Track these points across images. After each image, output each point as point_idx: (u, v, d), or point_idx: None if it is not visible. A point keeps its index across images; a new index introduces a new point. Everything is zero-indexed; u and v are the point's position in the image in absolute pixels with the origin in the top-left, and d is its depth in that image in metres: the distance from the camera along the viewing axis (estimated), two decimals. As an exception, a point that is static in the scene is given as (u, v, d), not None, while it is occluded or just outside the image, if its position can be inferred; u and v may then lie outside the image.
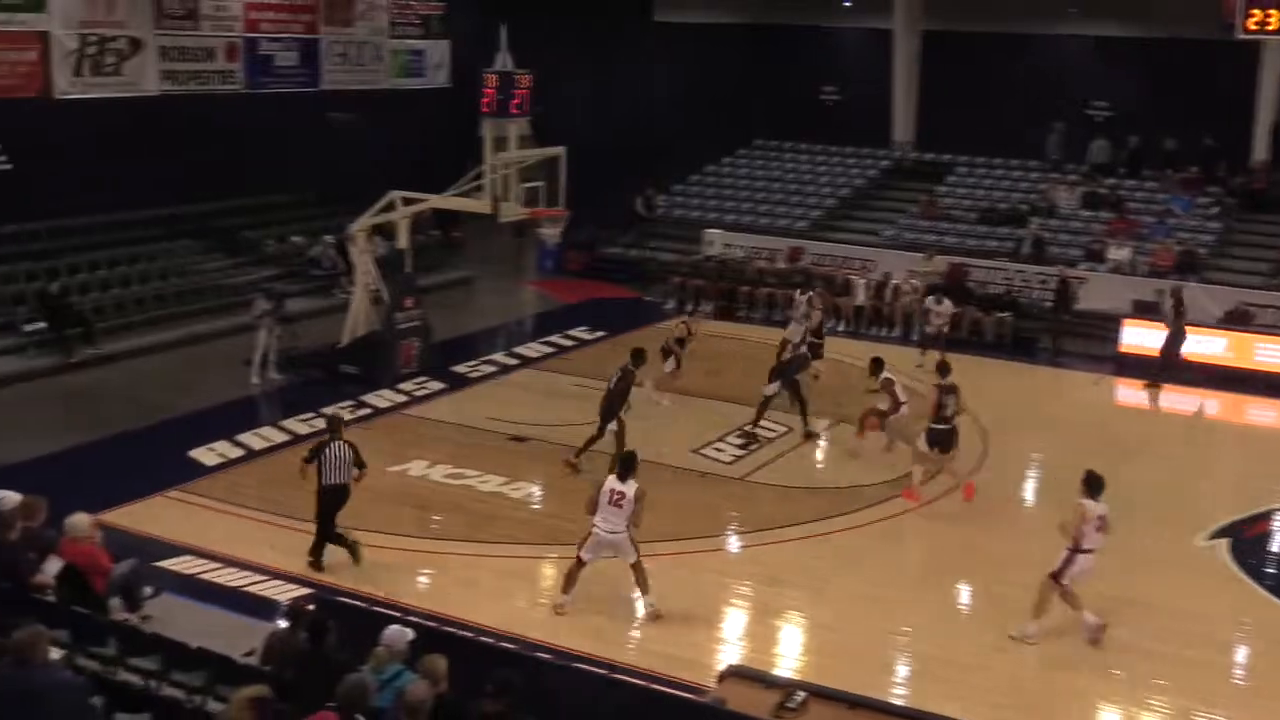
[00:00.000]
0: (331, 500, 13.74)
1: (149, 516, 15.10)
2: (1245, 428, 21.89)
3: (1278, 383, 22.37)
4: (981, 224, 28.71)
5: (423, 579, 14.09)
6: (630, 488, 12.66)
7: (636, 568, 12.90)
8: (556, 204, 21.16)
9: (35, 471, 15.67)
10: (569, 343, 23.94)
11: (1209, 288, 24.92)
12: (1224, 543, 15.50)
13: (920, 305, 24.32)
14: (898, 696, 11.47)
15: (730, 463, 17.69)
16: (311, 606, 10.38)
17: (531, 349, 23.51)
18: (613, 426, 16.74)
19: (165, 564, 13.65)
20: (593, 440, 16.85)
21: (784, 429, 18.71)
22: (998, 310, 25.28)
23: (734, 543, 15.23)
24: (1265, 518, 16.52)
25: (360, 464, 13.77)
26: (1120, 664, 12.38)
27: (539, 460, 17.33)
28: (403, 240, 21.24)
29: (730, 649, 12.53)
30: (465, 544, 14.62)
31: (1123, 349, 23.79)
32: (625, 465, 13.03)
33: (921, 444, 16.29)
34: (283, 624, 10.34)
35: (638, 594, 12.96)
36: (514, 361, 22.69)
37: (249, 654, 9.94)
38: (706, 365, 21.21)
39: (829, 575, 14.20)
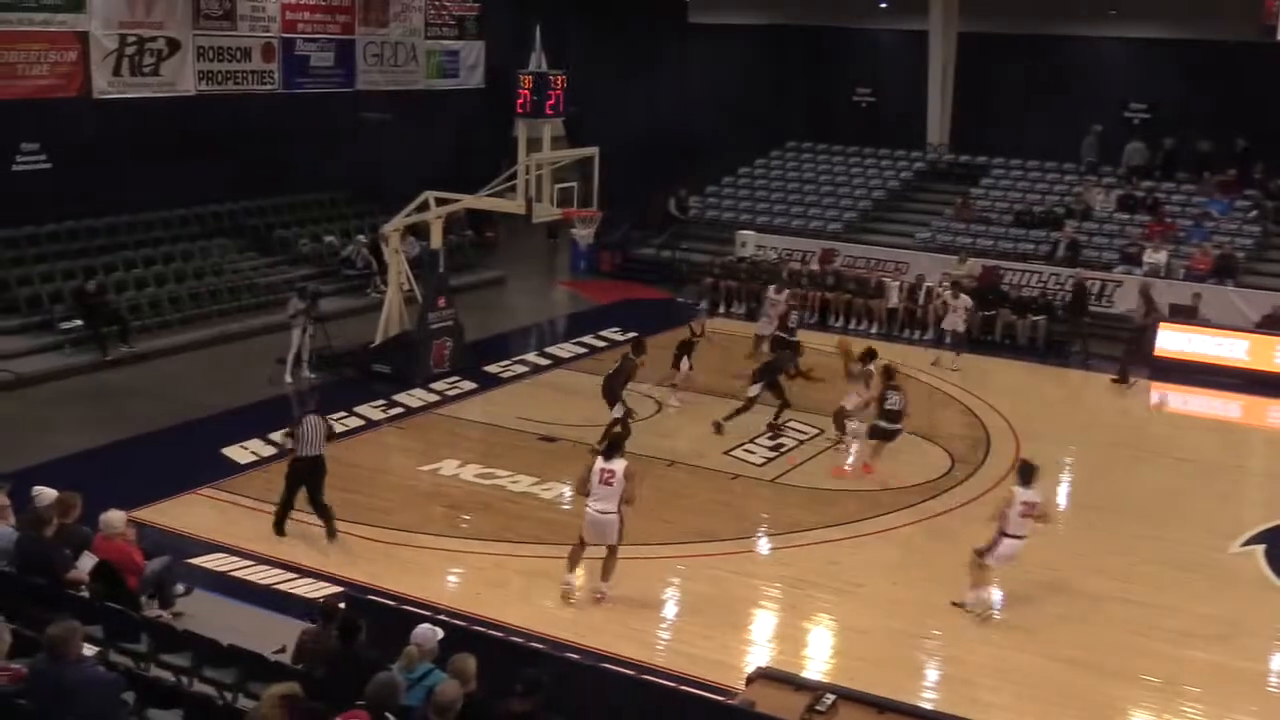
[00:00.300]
0: (305, 470, 14.41)
1: (182, 514, 15.19)
2: (1278, 433, 21.65)
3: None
4: (1016, 227, 28.55)
5: (452, 578, 14.15)
6: (619, 465, 12.80)
7: (611, 552, 13.08)
8: (590, 205, 21.19)
9: (70, 468, 15.81)
10: (601, 343, 23.93)
11: (1245, 292, 24.70)
12: (1259, 549, 15.34)
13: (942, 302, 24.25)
14: (927, 700, 11.42)
15: (761, 464, 17.66)
16: (342, 605, 10.41)
17: (563, 349, 23.53)
18: (617, 412, 17.13)
19: (197, 561, 13.75)
20: (613, 425, 16.97)
21: (815, 431, 18.67)
22: (1031, 313, 25.13)
23: (764, 544, 15.20)
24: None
25: (331, 437, 14.73)
26: (1153, 671, 12.29)
27: (569, 460, 17.32)
28: (436, 240, 21.29)
29: (759, 651, 12.50)
30: (495, 544, 14.65)
31: (1158, 353, 23.58)
32: (612, 445, 13.20)
33: (863, 431, 17.19)
34: (314, 622, 10.36)
35: (599, 577, 13.19)
36: (546, 362, 22.72)
37: (279, 651, 10.00)
38: (735, 367, 21.15)
39: (859, 578, 14.14)
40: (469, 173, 24.75)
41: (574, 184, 20.97)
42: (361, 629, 9.17)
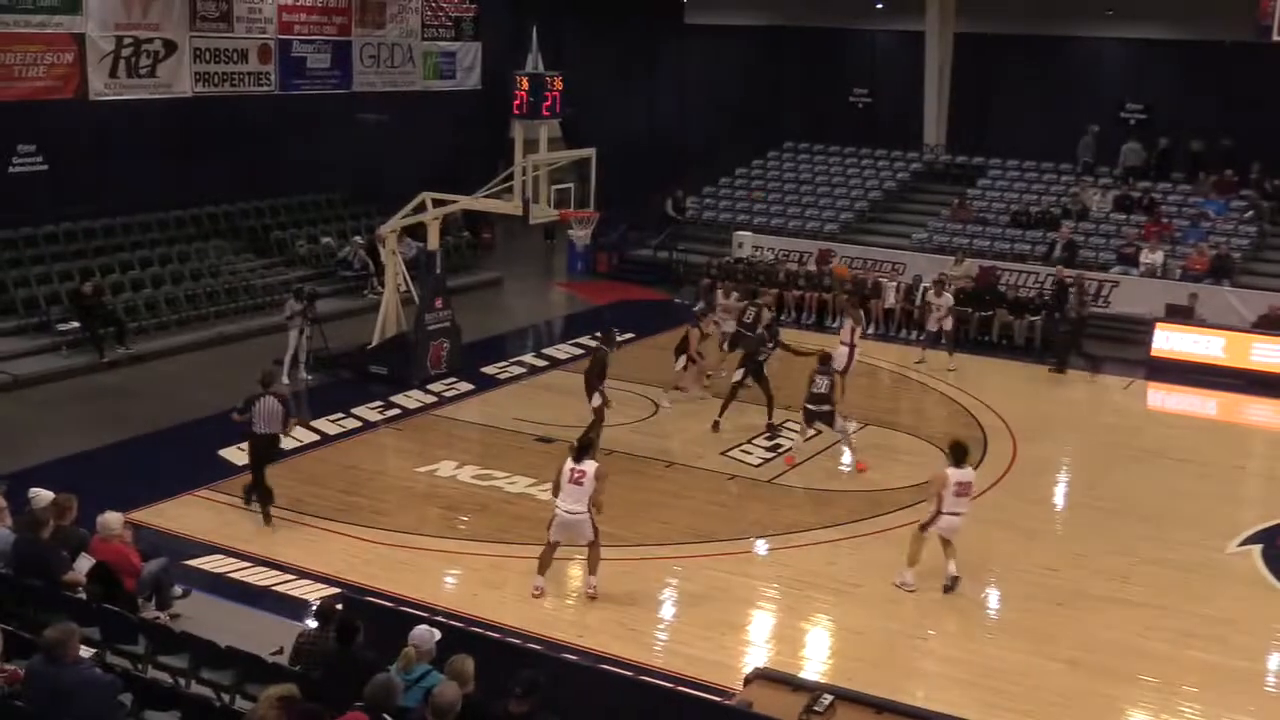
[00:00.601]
0: (262, 448, 14.82)
1: (179, 515, 15.19)
2: (1275, 433, 21.67)
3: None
4: (1013, 227, 28.56)
5: (450, 579, 14.14)
6: (589, 466, 12.92)
7: (592, 547, 13.17)
8: (586, 206, 21.18)
9: (67, 470, 15.81)
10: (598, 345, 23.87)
11: (1240, 292, 24.73)
12: (1256, 549, 15.35)
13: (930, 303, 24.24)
14: (925, 701, 11.40)
15: (759, 465, 17.66)
16: (340, 606, 10.40)
17: (560, 350, 23.53)
18: (595, 403, 17.25)
19: (195, 563, 13.75)
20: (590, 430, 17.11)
21: (812, 432, 18.65)
22: (1028, 314, 25.13)
23: (761, 545, 15.19)
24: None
25: (288, 420, 15.02)
26: (1151, 671, 12.30)
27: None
28: (433, 241, 21.29)
29: (757, 651, 12.51)
30: (492, 545, 14.65)
31: (1154, 353, 23.59)
32: (581, 448, 13.34)
33: (799, 420, 17.50)
34: (312, 624, 10.37)
35: (584, 572, 13.35)
36: (543, 363, 22.71)
37: (277, 653, 10.00)
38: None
39: (857, 578, 14.14)
40: (466, 174, 24.77)
41: (571, 185, 20.96)
42: (359, 630, 9.16)
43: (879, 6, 33.12)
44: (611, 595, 13.20)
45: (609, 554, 13.69)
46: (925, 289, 24.84)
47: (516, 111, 20.76)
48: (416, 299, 21.30)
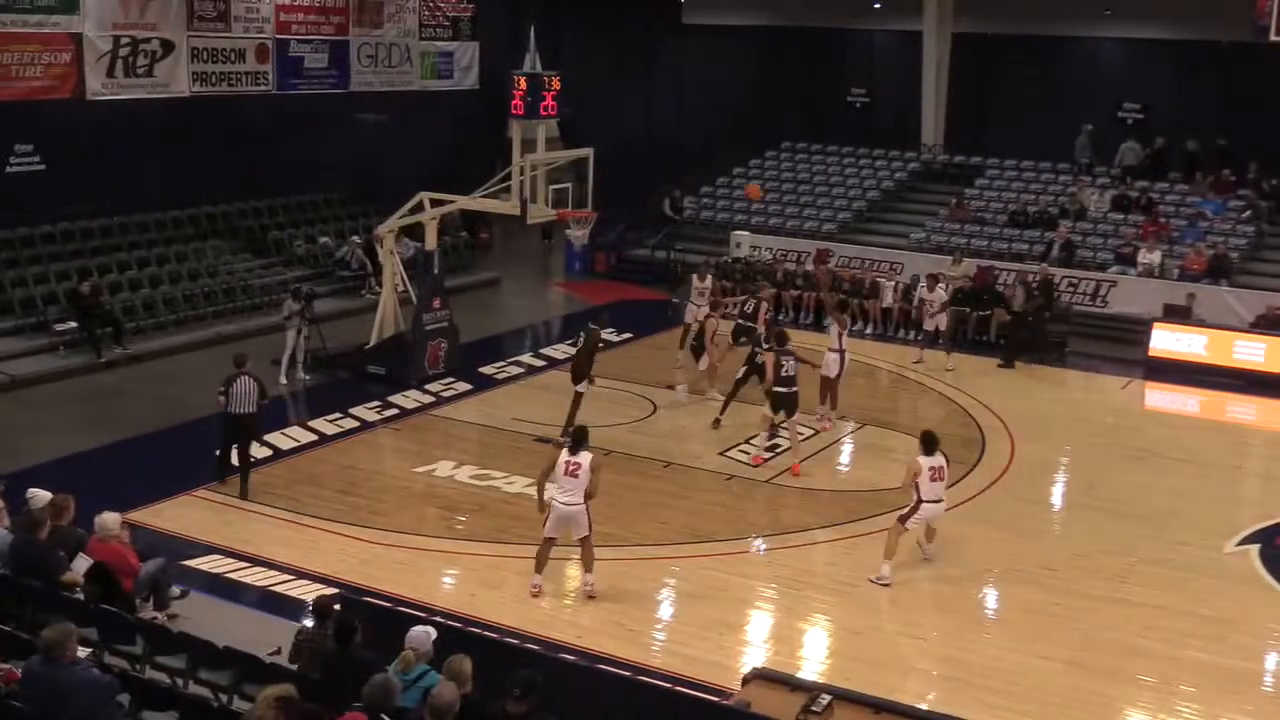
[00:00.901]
0: (237, 427, 15.58)
1: (177, 515, 15.17)
2: (1273, 433, 21.68)
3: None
4: (1011, 227, 28.56)
5: (447, 579, 14.14)
6: (585, 458, 12.89)
7: (585, 543, 13.11)
8: (584, 206, 21.17)
9: (64, 470, 15.79)
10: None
11: (1238, 292, 24.73)
12: (1253, 549, 15.35)
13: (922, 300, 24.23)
14: (923, 701, 11.40)
15: (756, 465, 17.65)
16: (338, 606, 10.40)
17: (558, 350, 23.49)
18: (580, 388, 17.51)
19: (193, 563, 13.75)
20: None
21: (810, 432, 18.66)
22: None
23: (759, 545, 15.20)
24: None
25: (264, 396, 15.78)
26: (1149, 671, 12.30)
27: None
28: (431, 241, 21.28)
29: (755, 651, 12.50)
30: (490, 545, 14.64)
31: (1152, 353, 23.59)
32: (576, 440, 13.23)
33: (766, 409, 17.38)
34: (309, 624, 10.36)
35: (580, 570, 13.33)
36: (540, 363, 22.69)
37: (275, 653, 10.00)
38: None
39: (855, 578, 14.13)
40: (464, 174, 24.75)
41: (569, 185, 20.94)
42: (357, 630, 9.16)
43: (877, 6, 33.11)
44: (609, 595, 13.20)
45: (607, 554, 13.70)
46: (920, 285, 24.82)
47: (514, 111, 20.74)
48: (414, 299, 21.30)
